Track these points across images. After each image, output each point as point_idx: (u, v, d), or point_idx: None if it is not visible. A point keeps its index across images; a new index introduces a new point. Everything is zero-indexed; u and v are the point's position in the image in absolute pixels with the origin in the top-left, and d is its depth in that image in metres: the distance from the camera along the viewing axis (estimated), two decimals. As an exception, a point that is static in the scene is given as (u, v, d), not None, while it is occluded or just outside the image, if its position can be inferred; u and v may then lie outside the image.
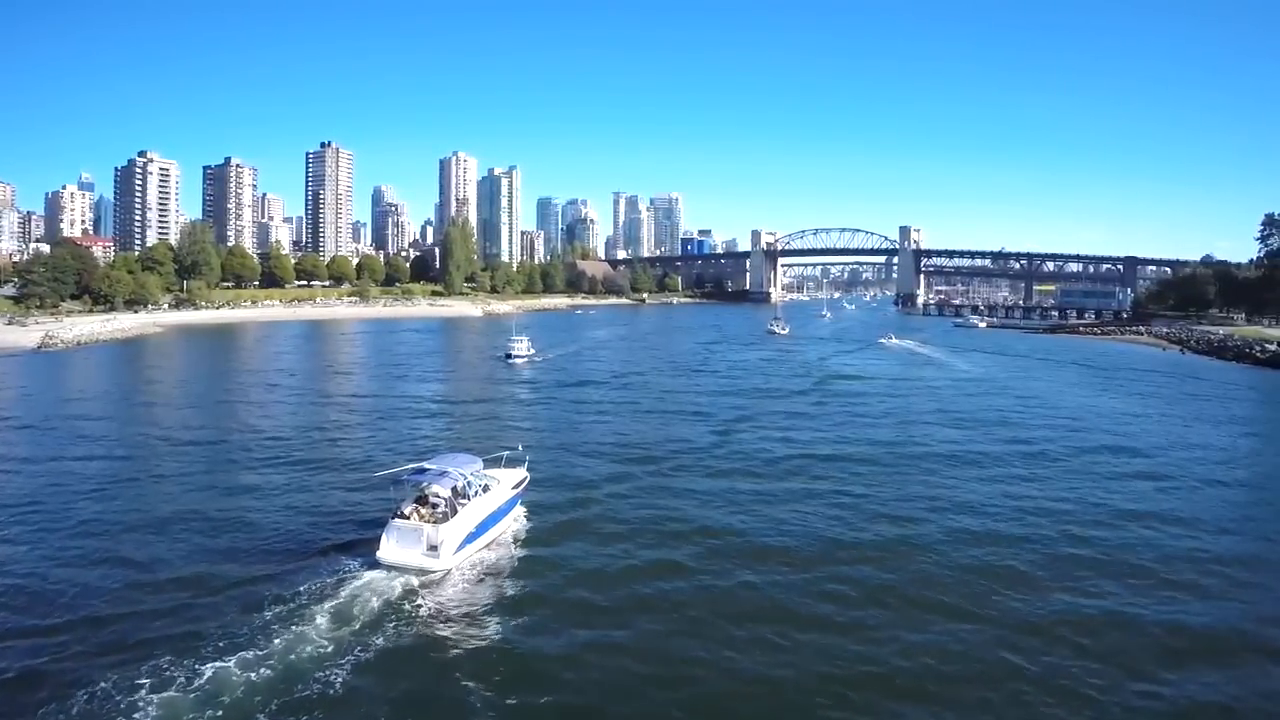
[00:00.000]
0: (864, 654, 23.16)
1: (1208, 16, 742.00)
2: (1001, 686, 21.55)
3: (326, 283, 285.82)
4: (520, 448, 37.71)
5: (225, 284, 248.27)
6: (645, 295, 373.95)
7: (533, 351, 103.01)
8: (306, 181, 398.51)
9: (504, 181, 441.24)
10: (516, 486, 33.90)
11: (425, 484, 30.14)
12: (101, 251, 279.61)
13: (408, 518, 29.02)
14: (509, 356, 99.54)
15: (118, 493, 39.50)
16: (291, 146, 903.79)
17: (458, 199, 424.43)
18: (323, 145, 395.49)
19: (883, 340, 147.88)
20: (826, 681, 21.81)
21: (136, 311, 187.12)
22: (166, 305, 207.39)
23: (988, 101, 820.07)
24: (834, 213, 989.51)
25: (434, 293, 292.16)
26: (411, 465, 31.96)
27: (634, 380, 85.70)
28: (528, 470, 35.62)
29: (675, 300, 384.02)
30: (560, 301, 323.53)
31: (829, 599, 26.82)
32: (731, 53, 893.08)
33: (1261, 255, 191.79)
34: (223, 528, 33.71)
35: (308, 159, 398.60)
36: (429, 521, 28.84)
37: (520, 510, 34.22)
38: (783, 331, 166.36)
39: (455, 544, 28.69)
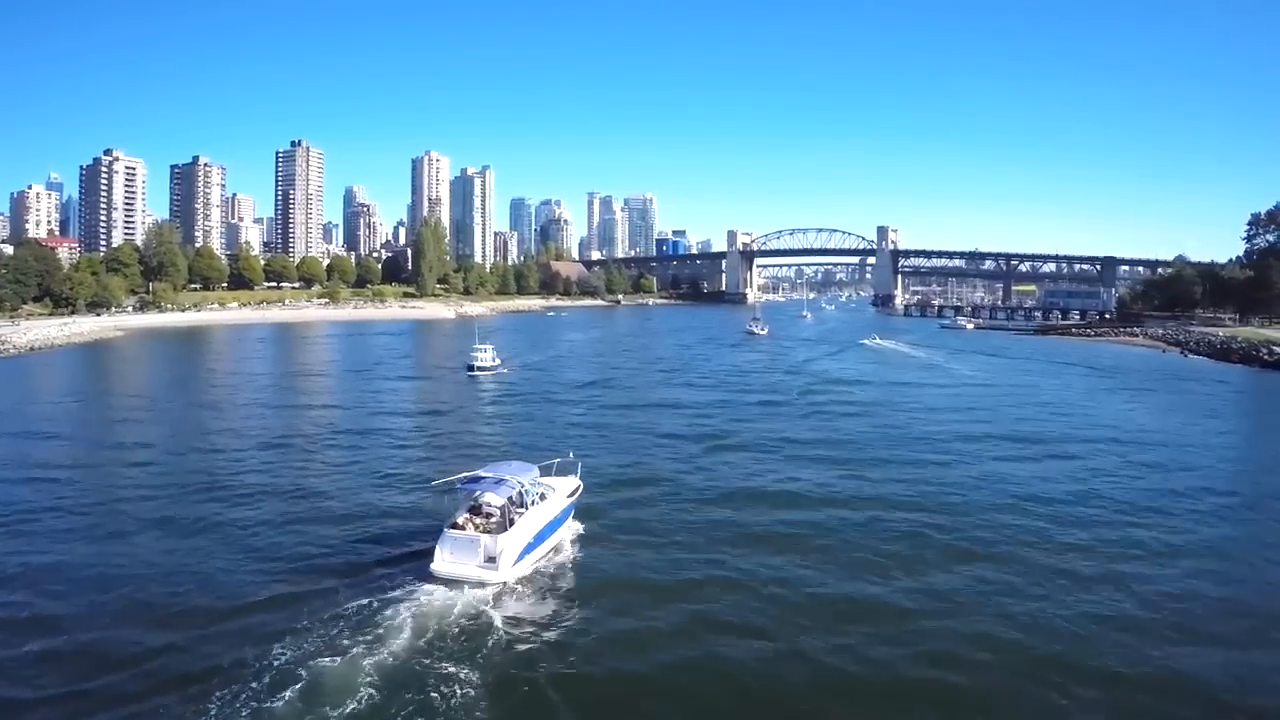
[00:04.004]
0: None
1: (1184, 17, 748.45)
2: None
3: (296, 284, 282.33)
4: (571, 455, 35.76)
5: (193, 286, 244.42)
6: (620, 297, 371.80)
7: (498, 362, 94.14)
8: (276, 181, 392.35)
9: (477, 181, 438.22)
10: (571, 495, 32.61)
11: (480, 493, 28.68)
12: (67, 253, 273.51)
13: (462, 528, 27.70)
14: (471, 368, 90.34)
15: (83, 512, 36.56)
16: (261, 145, 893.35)
17: (430, 199, 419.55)
18: (293, 144, 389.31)
19: (867, 341, 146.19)
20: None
21: (99, 314, 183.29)
22: (130, 308, 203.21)
23: (965, 99, 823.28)
24: (809, 211, 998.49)
25: (406, 294, 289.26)
26: (465, 474, 30.23)
27: (618, 388, 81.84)
28: (580, 478, 34.27)
29: (651, 301, 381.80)
30: (534, 303, 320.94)
31: (913, 650, 23.57)
32: (705, 51, 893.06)
33: (1244, 255, 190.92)
34: (246, 546, 31.54)
35: (277, 158, 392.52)
36: (485, 532, 27.50)
37: (573, 520, 32.73)
38: (761, 332, 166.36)
39: (514, 555, 27.28)
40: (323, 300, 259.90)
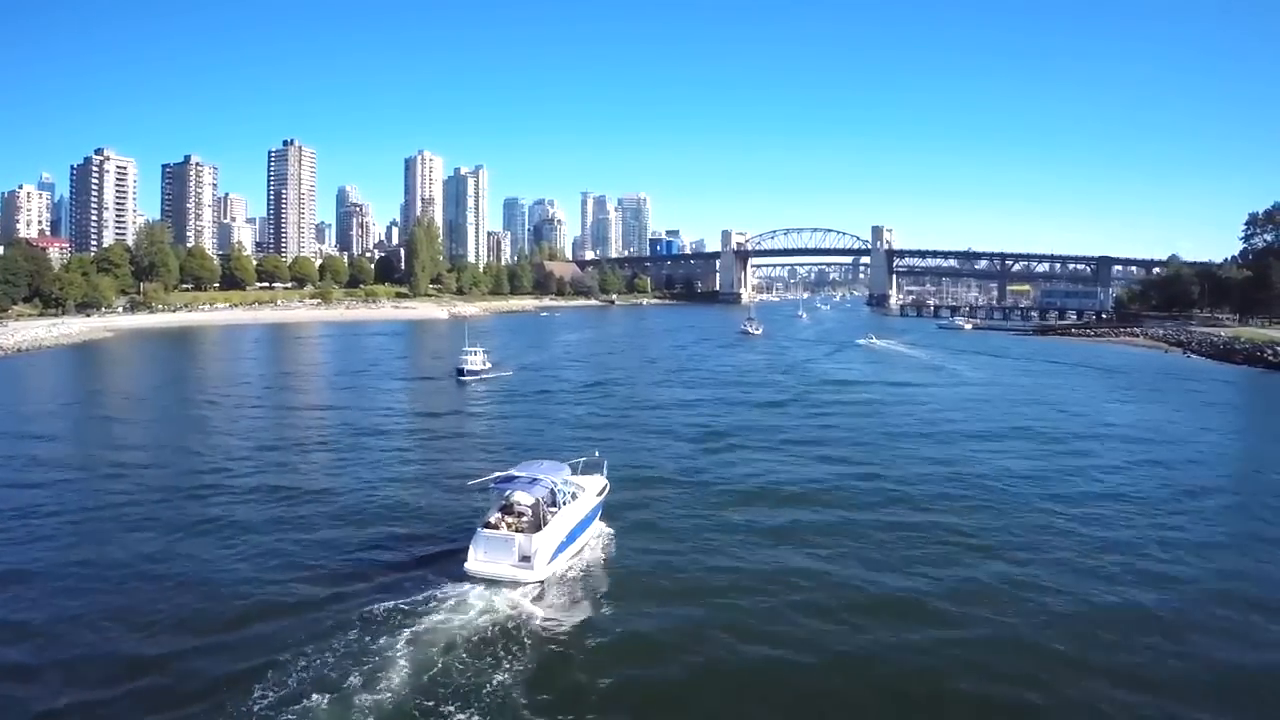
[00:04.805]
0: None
1: (1176, 17, 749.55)
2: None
3: (289, 284, 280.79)
4: (597, 453, 35.87)
5: (184, 286, 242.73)
6: (614, 297, 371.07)
7: (489, 365, 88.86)
8: (268, 181, 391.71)
9: (470, 181, 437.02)
10: (600, 494, 32.75)
11: (514, 491, 28.68)
12: (58, 253, 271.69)
13: (495, 527, 27.56)
14: (461, 372, 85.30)
15: (74, 516, 35.46)
16: (253, 145, 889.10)
17: (423, 199, 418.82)
18: (285, 143, 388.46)
19: (865, 342, 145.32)
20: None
21: (89, 315, 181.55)
22: (121, 308, 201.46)
23: (959, 99, 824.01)
24: (803, 211, 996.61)
25: (399, 294, 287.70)
26: (498, 473, 30.13)
27: (616, 391, 79.23)
28: (606, 477, 34.40)
29: (645, 301, 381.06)
30: (527, 303, 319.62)
31: (942, 647, 23.62)
32: (698, 50, 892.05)
33: (1240, 254, 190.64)
34: (264, 550, 30.84)
35: (269, 157, 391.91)
36: (517, 531, 27.42)
37: (601, 519, 32.77)
38: (756, 332, 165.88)
39: (549, 554, 27.20)
40: (315, 301, 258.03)
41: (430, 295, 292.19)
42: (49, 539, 32.43)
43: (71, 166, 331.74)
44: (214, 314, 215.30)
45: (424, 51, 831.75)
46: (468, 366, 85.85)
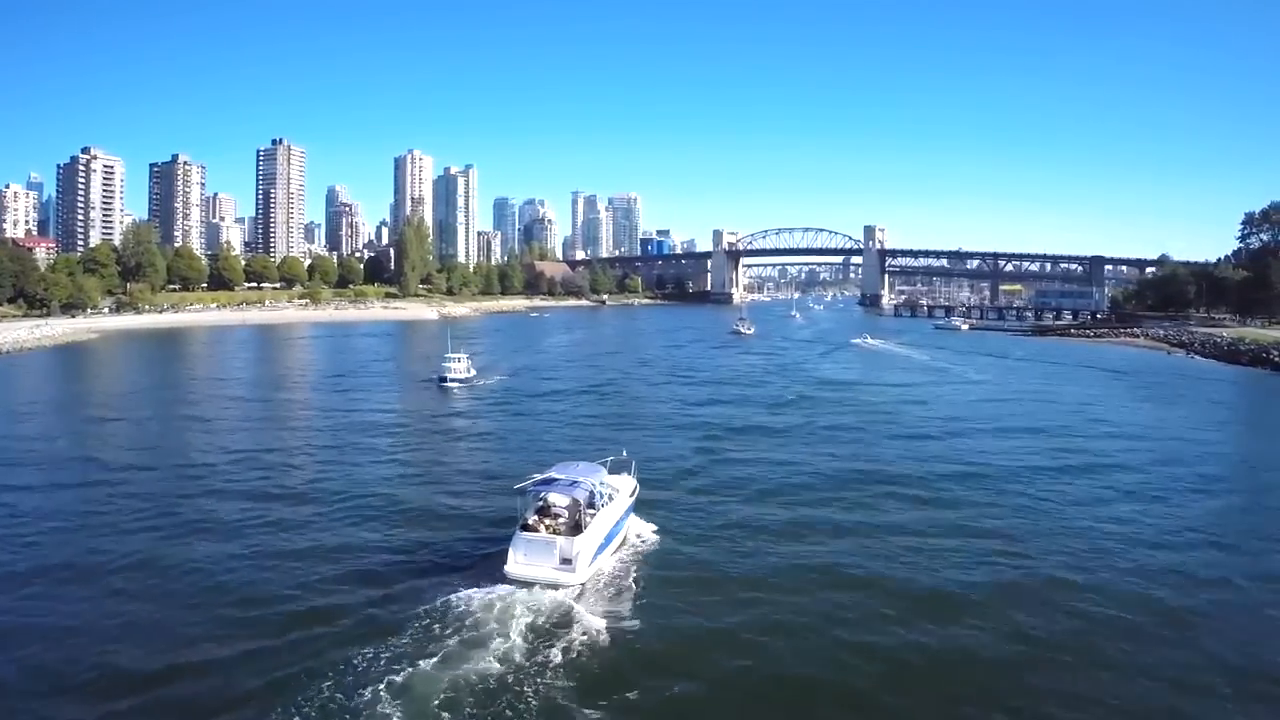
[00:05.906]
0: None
1: (1167, 16, 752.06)
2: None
3: (277, 284, 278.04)
4: (625, 453, 35.49)
5: (172, 286, 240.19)
6: (605, 297, 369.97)
7: (473, 372, 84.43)
8: (257, 180, 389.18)
9: (460, 181, 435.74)
10: (631, 494, 32.83)
11: (553, 494, 28.67)
12: (45, 253, 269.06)
13: (534, 529, 27.41)
14: (444, 380, 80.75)
15: (74, 519, 34.83)
16: (242, 144, 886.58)
17: (413, 198, 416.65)
18: (274, 142, 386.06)
19: (860, 342, 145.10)
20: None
21: (74, 316, 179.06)
22: (107, 309, 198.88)
23: (952, 98, 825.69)
24: (794, 210, 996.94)
25: (388, 294, 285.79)
26: (537, 475, 30.11)
27: (614, 395, 77.32)
28: (636, 478, 34.57)
29: (636, 301, 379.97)
30: (518, 303, 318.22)
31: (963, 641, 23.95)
32: (689, 50, 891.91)
33: (1235, 254, 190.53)
34: (291, 553, 30.64)
35: (258, 157, 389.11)
36: (554, 533, 27.39)
37: (634, 519, 32.82)
38: (748, 332, 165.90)
39: (589, 556, 27.18)
40: (303, 301, 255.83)
41: (420, 295, 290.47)
42: (30, 545, 31.62)
43: (58, 166, 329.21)
44: (201, 315, 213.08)
45: (414, 50, 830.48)
46: (450, 375, 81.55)
